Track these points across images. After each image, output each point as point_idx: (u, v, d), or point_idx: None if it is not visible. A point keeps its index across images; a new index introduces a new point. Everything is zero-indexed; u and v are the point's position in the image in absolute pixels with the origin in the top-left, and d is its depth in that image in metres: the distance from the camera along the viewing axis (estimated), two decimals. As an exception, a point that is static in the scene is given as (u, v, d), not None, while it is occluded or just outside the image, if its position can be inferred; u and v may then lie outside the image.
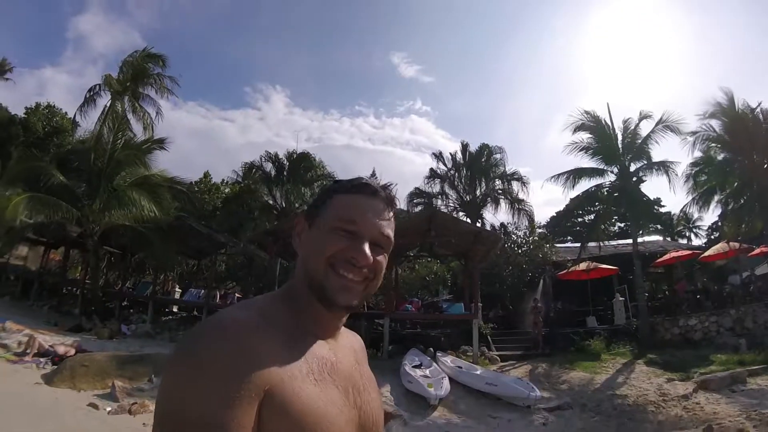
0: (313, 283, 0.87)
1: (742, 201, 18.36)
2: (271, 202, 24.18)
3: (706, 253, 20.11)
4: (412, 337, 15.09)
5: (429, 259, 22.79)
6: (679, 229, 38.78)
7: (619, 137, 18.02)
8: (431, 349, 13.70)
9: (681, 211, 21.92)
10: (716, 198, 19.16)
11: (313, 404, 0.79)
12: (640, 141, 17.73)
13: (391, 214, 0.95)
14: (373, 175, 37.51)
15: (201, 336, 0.77)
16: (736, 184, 18.43)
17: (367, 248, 0.88)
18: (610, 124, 18.22)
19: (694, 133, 17.85)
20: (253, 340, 0.77)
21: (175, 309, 21.25)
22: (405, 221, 17.45)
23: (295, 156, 24.68)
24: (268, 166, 25.03)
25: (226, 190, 28.39)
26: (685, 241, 34.51)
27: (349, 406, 0.88)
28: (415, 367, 11.56)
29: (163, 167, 20.09)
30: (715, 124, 18.01)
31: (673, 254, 19.98)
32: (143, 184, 18.02)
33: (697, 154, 18.58)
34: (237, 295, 21.99)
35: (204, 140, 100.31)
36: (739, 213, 18.82)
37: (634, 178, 18.08)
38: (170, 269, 23.36)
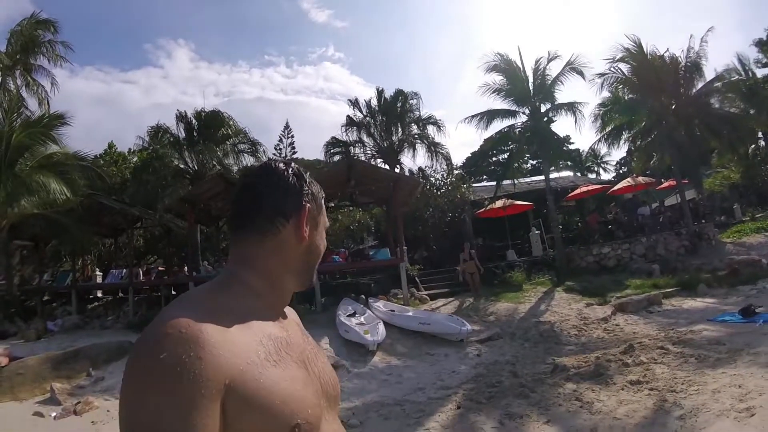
0: (310, 268, 1.01)
1: (650, 138, 19.50)
2: (182, 166, 22.64)
3: (615, 187, 21.32)
4: (343, 287, 15.11)
5: (351, 207, 22.71)
6: (588, 164, 41.12)
7: (530, 79, 18.43)
8: (363, 296, 13.77)
9: (590, 148, 23.18)
10: (625, 136, 20.36)
11: (277, 386, 0.78)
12: (549, 83, 18.22)
13: None
14: (287, 127, 36.67)
15: (147, 342, 0.74)
16: (644, 122, 19.54)
17: None
18: (521, 66, 18.55)
19: (602, 75, 18.73)
20: (202, 336, 0.73)
21: (99, 294, 20.14)
22: (325, 172, 17.19)
23: (204, 114, 23.02)
24: (177, 128, 23.27)
25: (134, 159, 26.41)
26: (594, 176, 36.65)
27: (311, 378, 0.90)
28: (349, 316, 11.66)
29: (65, 143, 18.49)
30: (624, 67, 18.93)
31: (584, 189, 21.19)
32: (48, 165, 16.42)
33: (605, 94, 19.66)
34: (160, 268, 21.13)
35: (107, 107, 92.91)
36: (648, 149, 20.14)
37: (545, 119, 18.71)
38: (87, 253, 21.99)
